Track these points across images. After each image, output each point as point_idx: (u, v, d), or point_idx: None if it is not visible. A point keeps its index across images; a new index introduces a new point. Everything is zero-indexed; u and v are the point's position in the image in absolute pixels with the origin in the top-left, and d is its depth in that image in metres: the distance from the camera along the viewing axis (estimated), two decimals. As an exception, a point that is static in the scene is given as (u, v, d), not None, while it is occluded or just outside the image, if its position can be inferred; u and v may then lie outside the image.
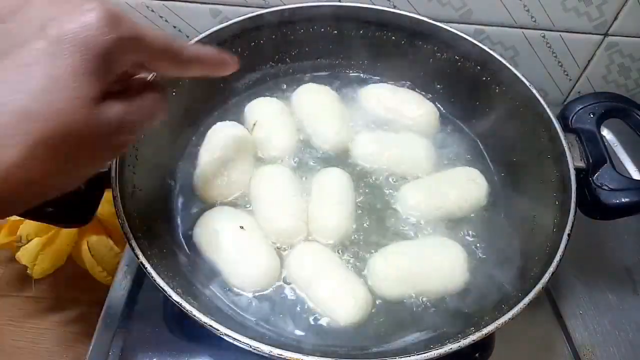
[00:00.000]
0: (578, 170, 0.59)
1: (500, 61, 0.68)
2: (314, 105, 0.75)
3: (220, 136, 0.70)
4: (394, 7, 0.76)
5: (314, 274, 0.59)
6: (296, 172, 0.69)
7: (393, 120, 0.75)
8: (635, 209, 0.58)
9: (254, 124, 0.72)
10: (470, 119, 0.77)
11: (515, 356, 0.65)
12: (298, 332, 0.58)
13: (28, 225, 0.84)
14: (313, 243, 0.63)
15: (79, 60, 0.32)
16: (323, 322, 0.58)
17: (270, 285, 0.60)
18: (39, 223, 0.82)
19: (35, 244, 0.85)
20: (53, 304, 1.21)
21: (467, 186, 0.68)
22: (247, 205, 0.66)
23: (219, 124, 0.72)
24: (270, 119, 0.73)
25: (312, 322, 0.58)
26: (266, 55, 0.78)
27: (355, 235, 0.64)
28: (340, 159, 0.71)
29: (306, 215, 0.64)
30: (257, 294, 0.60)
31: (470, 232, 0.66)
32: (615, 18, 0.83)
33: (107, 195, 0.56)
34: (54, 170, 0.33)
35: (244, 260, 0.59)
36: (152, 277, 0.49)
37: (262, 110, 0.74)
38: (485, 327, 0.47)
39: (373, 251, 0.63)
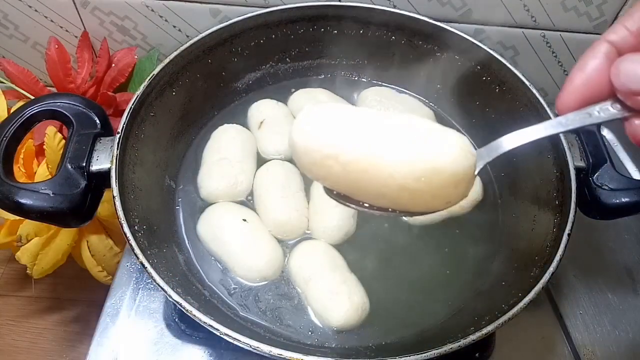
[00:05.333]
0: (578, 170, 0.59)
1: (500, 61, 0.68)
2: (321, 103, 0.75)
3: (226, 137, 0.71)
4: (394, 7, 0.76)
5: (313, 272, 0.59)
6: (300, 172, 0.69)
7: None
8: (635, 209, 0.58)
9: (262, 122, 0.72)
10: (470, 118, 0.77)
11: (515, 356, 0.65)
12: (296, 331, 0.58)
13: (28, 225, 0.83)
14: (317, 242, 0.63)
15: None
16: (319, 322, 0.58)
17: (274, 274, 0.61)
18: (39, 223, 0.82)
19: (35, 244, 0.85)
20: (53, 304, 1.21)
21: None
22: (251, 205, 0.66)
23: (225, 125, 0.72)
24: (277, 119, 0.73)
25: (310, 321, 0.58)
26: (266, 55, 0.78)
27: (357, 237, 0.64)
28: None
29: (308, 212, 0.65)
30: (257, 290, 0.60)
31: (470, 233, 0.66)
32: (615, 18, 0.83)
33: (107, 195, 0.56)
34: None
35: (248, 250, 0.60)
36: (152, 277, 0.49)
37: (269, 110, 0.74)
38: (485, 327, 0.47)
39: (374, 253, 0.63)
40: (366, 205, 0.37)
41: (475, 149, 0.40)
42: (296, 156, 0.37)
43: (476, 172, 0.36)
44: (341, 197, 0.37)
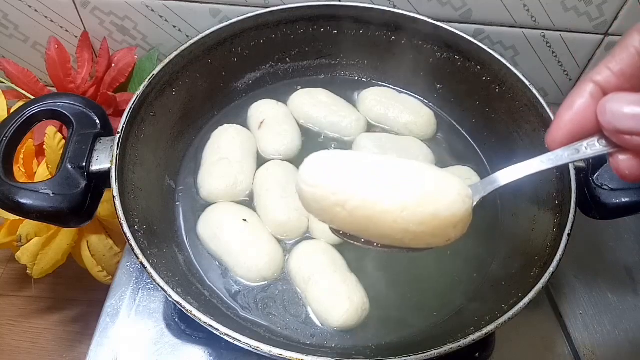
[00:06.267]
0: (578, 170, 0.59)
1: (500, 61, 0.68)
2: (321, 103, 0.76)
3: (226, 137, 0.71)
4: (394, 7, 0.76)
5: (313, 272, 0.59)
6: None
7: (392, 124, 0.76)
8: (635, 209, 0.58)
9: (262, 122, 0.73)
10: (470, 118, 0.77)
11: (515, 356, 0.65)
12: (296, 331, 0.58)
13: (28, 225, 0.83)
14: (317, 242, 0.63)
15: None
16: (319, 322, 0.58)
17: (274, 274, 0.61)
18: (39, 223, 0.82)
19: (35, 243, 0.85)
20: (53, 304, 1.21)
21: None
22: (251, 205, 0.66)
23: (225, 125, 0.72)
24: (277, 119, 0.73)
25: (310, 321, 0.58)
26: (266, 55, 0.78)
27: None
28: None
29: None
30: (257, 290, 0.60)
31: (470, 233, 0.66)
32: (615, 18, 0.83)
33: (107, 195, 0.56)
34: None
35: (248, 250, 0.60)
36: (152, 277, 0.49)
37: (269, 110, 0.74)
38: (485, 327, 0.47)
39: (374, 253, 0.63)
40: (371, 242, 0.40)
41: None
42: (304, 203, 0.39)
43: (473, 205, 0.38)
44: (347, 236, 0.40)
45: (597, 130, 0.34)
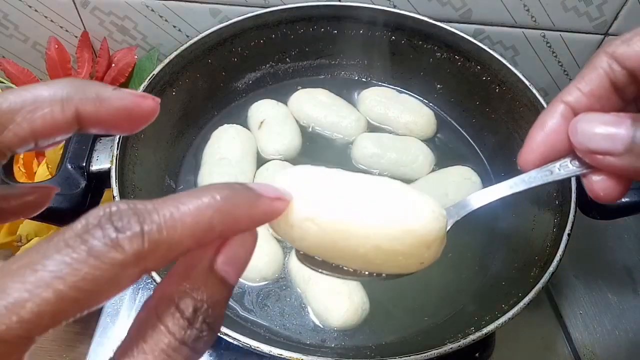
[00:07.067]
0: (578, 170, 0.59)
1: (500, 61, 0.68)
2: (321, 103, 0.76)
3: (226, 137, 0.71)
4: (394, 7, 0.76)
5: (313, 272, 0.59)
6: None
7: (392, 124, 0.76)
8: (635, 209, 0.58)
9: (262, 122, 0.73)
10: (470, 118, 0.77)
11: (515, 356, 0.65)
12: (296, 331, 0.58)
13: (28, 225, 0.83)
14: None
15: None
16: (319, 321, 0.58)
17: (274, 274, 0.61)
18: (39, 223, 0.82)
19: (35, 243, 0.85)
20: (53, 304, 1.21)
21: (464, 185, 0.68)
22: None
23: (225, 125, 0.72)
24: (277, 119, 0.73)
25: (310, 321, 0.58)
26: (266, 55, 0.78)
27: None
28: (340, 160, 0.72)
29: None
30: (257, 290, 0.60)
31: (469, 233, 0.66)
32: (615, 18, 0.83)
33: (107, 195, 0.56)
34: None
35: None
36: (152, 277, 0.49)
37: (269, 110, 0.75)
38: (485, 327, 0.47)
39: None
40: (342, 268, 0.38)
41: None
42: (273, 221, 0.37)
43: (447, 230, 0.37)
44: (315, 263, 0.38)
45: (570, 150, 0.34)
